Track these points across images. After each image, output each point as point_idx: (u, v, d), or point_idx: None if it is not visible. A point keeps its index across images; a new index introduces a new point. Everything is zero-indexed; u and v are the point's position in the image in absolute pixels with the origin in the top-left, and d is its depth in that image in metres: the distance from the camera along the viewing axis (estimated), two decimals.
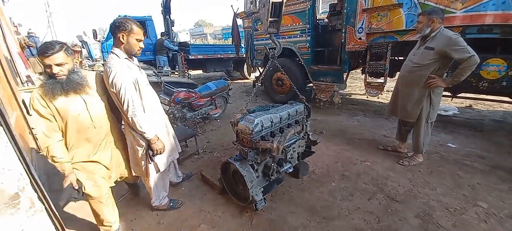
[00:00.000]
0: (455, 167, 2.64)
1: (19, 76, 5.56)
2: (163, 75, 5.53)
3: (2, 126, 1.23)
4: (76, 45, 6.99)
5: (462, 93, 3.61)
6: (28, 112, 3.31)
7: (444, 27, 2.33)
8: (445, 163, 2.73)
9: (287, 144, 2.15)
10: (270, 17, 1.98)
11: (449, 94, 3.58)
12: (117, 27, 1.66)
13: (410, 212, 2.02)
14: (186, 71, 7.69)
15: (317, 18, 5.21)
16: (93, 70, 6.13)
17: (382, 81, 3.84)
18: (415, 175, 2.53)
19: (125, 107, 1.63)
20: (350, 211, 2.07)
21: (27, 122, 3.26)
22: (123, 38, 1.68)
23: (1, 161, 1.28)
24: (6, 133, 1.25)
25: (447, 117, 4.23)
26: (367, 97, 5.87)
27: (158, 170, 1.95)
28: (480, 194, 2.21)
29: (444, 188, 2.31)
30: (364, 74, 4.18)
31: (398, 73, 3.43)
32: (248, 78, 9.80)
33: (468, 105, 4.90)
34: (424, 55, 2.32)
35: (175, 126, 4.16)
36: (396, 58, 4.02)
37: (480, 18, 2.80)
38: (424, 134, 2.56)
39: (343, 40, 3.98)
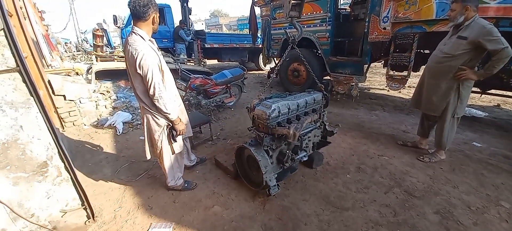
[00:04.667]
0: (479, 166, 2.51)
1: (45, 59, 5.83)
2: (180, 63, 5.60)
3: (33, 96, 1.29)
4: (98, 29, 7.21)
5: (491, 90, 3.39)
6: (53, 92, 3.48)
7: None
8: (469, 162, 2.59)
9: (303, 131, 2.12)
10: (293, 0, 1.92)
11: (478, 90, 3.37)
12: (148, 7, 1.59)
13: (429, 208, 1.95)
14: (201, 59, 7.74)
15: (339, 7, 5.02)
16: (113, 57, 6.31)
17: (406, 74, 3.67)
18: (436, 172, 2.42)
19: (151, 90, 1.64)
20: (365, 203, 2.03)
21: (52, 101, 3.43)
22: (156, 19, 1.67)
23: (31, 131, 1.35)
24: (37, 104, 1.31)
25: (474, 116, 4.00)
26: (388, 91, 5.67)
27: (173, 152, 1.99)
28: (504, 194, 2.11)
29: (466, 186, 2.20)
30: (386, 67, 4.01)
31: (422, 67, 3.26)
32: (263, 70, 9.72)
33: (496, 104, 4.62)
34: (456, 45, 2.18)
35: (189, 111, 4.23)
36: (421, 51, 3.81)
37: None
38: (449, 129, 2.43)
39: (366, 30, 3.82)
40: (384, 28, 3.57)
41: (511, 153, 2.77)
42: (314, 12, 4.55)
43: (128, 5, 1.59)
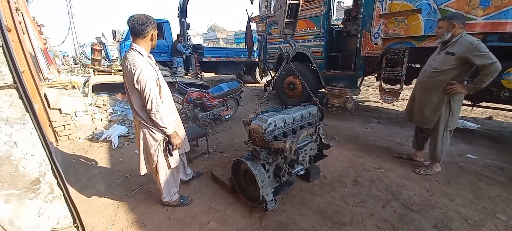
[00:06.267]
0: (474, 178, 2.53)
1: (42, 72, 5.83)
2: (177, 76, 5.65)
3: (28, 112, 1.29)
4: (96, 44, 7.29)
5: (482, 103, 3.47)
6: (49, 106, 3.46)
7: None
8: (464, 174, 2.61)
9: (299, 145, 2.13)
10: (286, 19, 1.99)
11: (470, 103, 3.45)
12: (147, 25, 1.64)
13: (427, 222, 1.94)
14: (199, 73, 7.82)
15: (332, 23, 5.18)
16: (110, 70, 6.34)
17: (398, 88, 3.75)
18: (432, 185, 2.43)
19: (149, 104, 1.65)
20: (363, 217, 2.01)
21: (47, 115, 3.41)
22: (154, 36, 1.71)
23: (25, 147, 1.33)
24: (32, 120, 1.31)
25: (466, 128, 4.07)
26: (382, 104, 5.75)
27: (169, 166, 1.97)
28: (500, 206, 2.12)
29: (462, 199, 2.21)
30: (379, 81, 4.10)
31: (414, 80, 3.34)
32: (259, 82, 9.84)
33: (488, 116, 4.71)
34: (445, 61, 2.25)
35: (186, 125, 4.22)
36: (412, 65, 3.92)
37: (501, 26, 2.71)
38: (442, 142, 2.46)
39: (358, 45, 3.93)
40: (376, 44, 3.68)
41: (505, 164, 2.81)
42: (308, 28, 4.68)
43: (127, 23, 1.63)
